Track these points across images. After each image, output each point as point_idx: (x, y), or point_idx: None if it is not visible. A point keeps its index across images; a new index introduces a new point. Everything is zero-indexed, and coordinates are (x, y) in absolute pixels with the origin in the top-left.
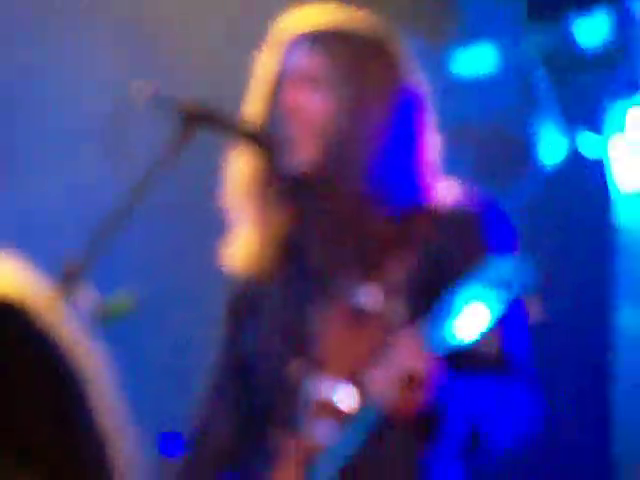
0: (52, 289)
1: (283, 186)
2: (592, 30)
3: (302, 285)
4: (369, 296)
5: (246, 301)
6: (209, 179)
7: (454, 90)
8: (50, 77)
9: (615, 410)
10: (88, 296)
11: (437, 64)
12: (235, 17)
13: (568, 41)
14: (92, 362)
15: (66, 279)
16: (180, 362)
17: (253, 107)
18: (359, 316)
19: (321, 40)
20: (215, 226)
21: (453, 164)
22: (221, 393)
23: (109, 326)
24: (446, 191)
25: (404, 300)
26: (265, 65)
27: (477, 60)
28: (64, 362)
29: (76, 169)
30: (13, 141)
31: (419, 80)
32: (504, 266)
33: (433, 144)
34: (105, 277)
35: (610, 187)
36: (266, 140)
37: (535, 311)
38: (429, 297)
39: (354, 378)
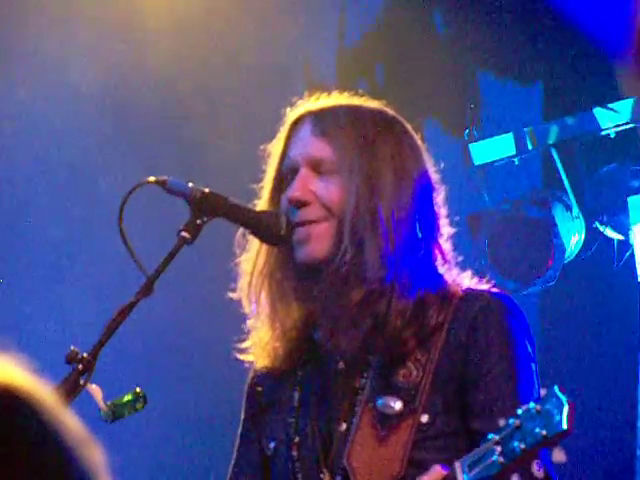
0: (57, 385)
1: (298, 276)
2: (613, 118)
3: (323, 384)
4: (394, 400)
5: (263, 396)
6: (225, 269)
7: (473, 177)
8: None
9: None
10: (96, 392)
11: (456, 152)
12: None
13: (589, 129)
14: (93, 457)
15: (73, 374)
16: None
17: (265, 198)
18: (385, 422)
19: (327, 122)
20: (231, 318)
21: (468, 254)
22: None
23: (118, 423)
24: (461, 283)
25: (427, 398)
26: (276, 152)
27: (497, 148)
28: (68, 454)
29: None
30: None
31: (432, 167)
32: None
33: (446, 233)
34: (115, 372)
35: (635, 274)
36: (279, 231)
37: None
38: (455, 393)
39: None
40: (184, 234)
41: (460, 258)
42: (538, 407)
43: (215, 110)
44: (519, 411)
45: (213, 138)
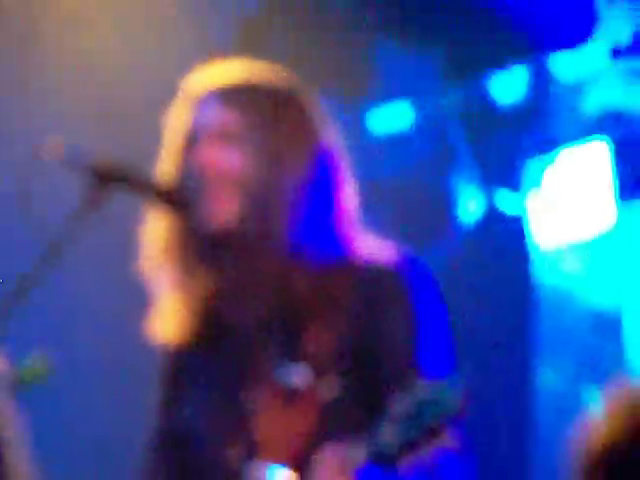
0: None
1: (201, 246)
2: (508, 87)
3: (231, 360)
4: (299, 373)
5: (177, 373)
6: (126, 242)
7: (370, 147)
8: None
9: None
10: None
11: (353, 122)
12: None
13: (485, 98)
14: (7, 425)
15: None
16: (99, 431)
17: (166, 165)
18: (291, 395)
19: (232, 94)
20: (134, 291)
21: (370, 223)
22: (155, 470)
23: (24, 392)
24: (367, 246)
25: (334, 372)
26: (177, 122)
27: (394, 117)
28: None
29: None
30: None
31: (334, 135)
32: (433, 389)
33: (351, 198)
34: (19, 341)
35: (528, 244)
36: (181, 198)
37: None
38: (359, 366)
39: (291, 462)
40: (85, 206)
41: (363, 225)
42: (431, 392)
43: None
44: (414, 397)
45: None
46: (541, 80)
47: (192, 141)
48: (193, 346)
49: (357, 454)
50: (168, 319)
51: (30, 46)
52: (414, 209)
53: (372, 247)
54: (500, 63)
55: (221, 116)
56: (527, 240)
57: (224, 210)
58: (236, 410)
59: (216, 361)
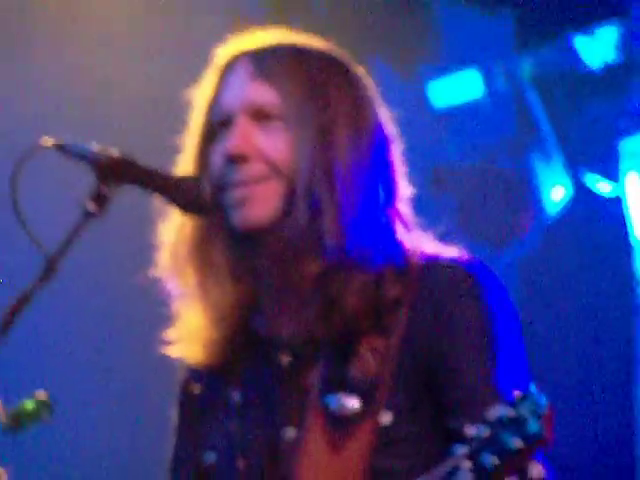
0: None
1: (231, 247)
2: (594, 50)
3: (267, 383)
4: (350, 397)
5: (201, 397)
6: (139, 245)
7: (432, 124)
8: None
9: None
10: None
11: (412, 93)
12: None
13: (566, 63)
14: None
15: None
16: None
17: (190, 153)
18: (341, 425)
19: (269, 64)
20: (152, 303)
21: (433, 214)
22: None
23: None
24: (425, 248)
25: (392, 394)
26: (202, 100)
27: (459, 88)
28: None
29: None
30: None
31: (388, 115)
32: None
33: (405, 193)
34: (13, 375)
35: (629, 236)
36: (206, 192)
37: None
38: (422, 384)
39: None
40: (89, 206)
41: (423, 220)
42: (511, 412)
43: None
44: (490, 417)
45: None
46: (634, 36)
47: (220, 123)
48: (220, 367)
49: None
50: (190, 335)
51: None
52: (486, 200)
53: (433, 249)
54: (583, 21)
55: (255, 90)
56: (627, 231)
57: (261, 206)
58: (274, 443)
59: (249, 385)
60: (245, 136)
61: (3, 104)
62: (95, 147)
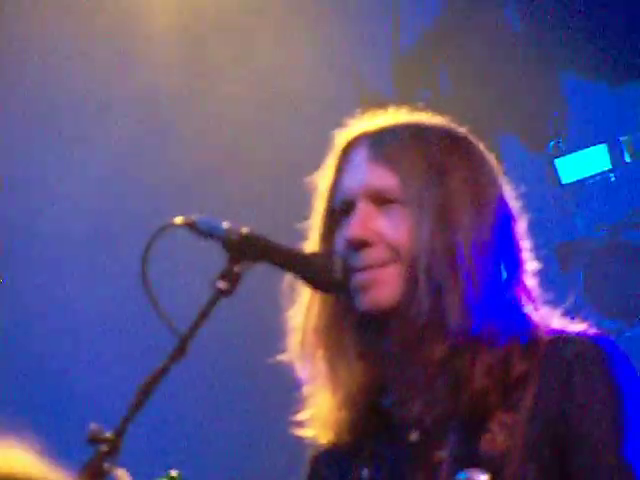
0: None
1: (359, 331)
2: None
3: (398, 465)
4: (479, 472)
5: (327, 476)
6: (271, 326)
7: (561, 199)
8: None
9: None
10: (123, 479)
11: (538, 168)
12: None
13: None
14: None
15: (96, 457)
16: None
17: (315, 239)
18: None
19: (389, 144)
20: (281, 385)
21: (559, 290)
22: None
23: None
24: (552, 324)
25: (518, 471)
26: (326, 183)
27: (588, 162)
28: None
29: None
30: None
31: (512, 192)
32: None
33: (532, 268)
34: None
35: None
36: (336, 274)
37: None
38: (550, 460)
39: None
40: (221, 284)
41: (549, 295)
42: None
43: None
44: None
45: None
46: None
47: (343, 209)
48: (349, 445)
49: None
50: (321, 416)
51: None
52: (618, 278)
53: (560, 324)
54: None
55: (376, 174)
56: None
57: (386, 289)
58: None
59: (378, 462)
60: (366, 221)
61: None
62: (225, 224)
